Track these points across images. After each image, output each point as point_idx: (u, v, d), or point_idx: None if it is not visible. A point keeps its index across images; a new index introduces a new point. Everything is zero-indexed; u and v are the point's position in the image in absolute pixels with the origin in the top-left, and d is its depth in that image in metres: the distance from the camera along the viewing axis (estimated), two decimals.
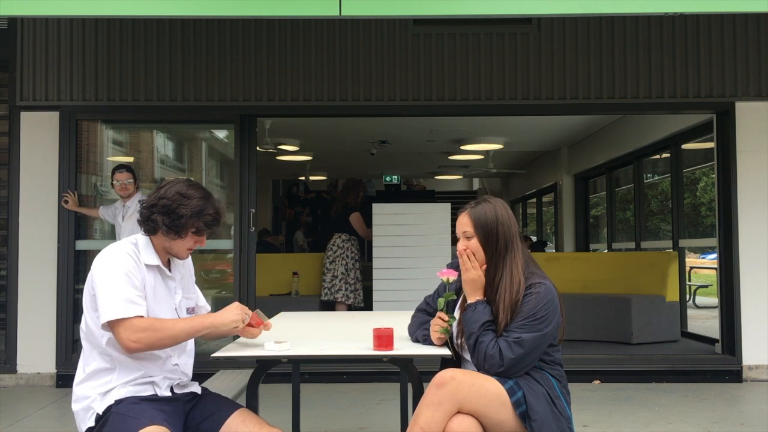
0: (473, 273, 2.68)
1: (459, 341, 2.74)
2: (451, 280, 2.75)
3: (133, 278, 2.45)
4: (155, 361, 2.49)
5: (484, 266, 2.70)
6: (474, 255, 2.70)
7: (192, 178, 2.79)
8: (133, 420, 2.29)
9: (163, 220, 2.51)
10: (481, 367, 2.56)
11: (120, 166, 5.91)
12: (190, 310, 2.71)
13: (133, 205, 5.79)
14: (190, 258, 2.77)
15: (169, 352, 2.54)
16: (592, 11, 4.17)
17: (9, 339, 6.06)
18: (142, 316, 2.39)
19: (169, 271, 2.64)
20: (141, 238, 2.60)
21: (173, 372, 2.55)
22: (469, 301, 2.68)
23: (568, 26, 6.24)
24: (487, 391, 2.49)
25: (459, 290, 2.82)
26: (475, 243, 2.71)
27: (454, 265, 2.87)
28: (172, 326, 2.43)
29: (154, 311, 2.50)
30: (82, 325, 2.53)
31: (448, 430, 2.44)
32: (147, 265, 2.54)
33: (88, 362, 2.49)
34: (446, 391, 2.45)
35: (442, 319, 2.70)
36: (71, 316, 6.08)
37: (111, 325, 2.37)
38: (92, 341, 2.49)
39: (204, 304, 2.84)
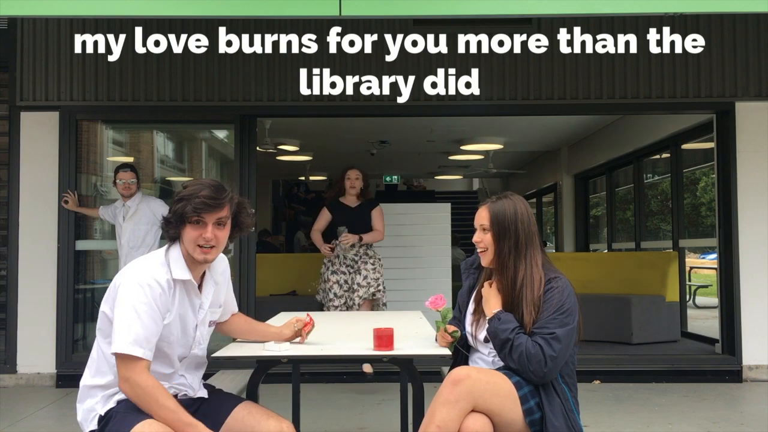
0: (485, 288, 2.72)
1: (472, 329, 2.74)
2: (442, 309, 2.74)
3: (154, 311, 2.35)
4: (164, 375, 2.47)
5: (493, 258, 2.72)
6: (487, 249, 2.72)
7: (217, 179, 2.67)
8: (132, 416, 2.29)
9: (168, 218, 2.48)
10: (526, 370, 2.51)
11: (124, 165, 5.90)
12: (212, 323, 2.66)
13: (134, 205, 5.79)
14: (227, 264, 2.72)
15: (177, 367, 2.51)
16: (592, 11, 4.18)
17: (9, 339, 6.05)
18: (147, 362, 2.32)
19: (200, 286, 2.56)
20: (173, 251, 2.49)
21: (181, 385, 2.55)
22: (488, 316, 2.66)
23: (568, 26, 6.22)
24: (501, 390, 2.49)
25: (479, 267, 2.84)
26: (489, 237, 2.72)
27: (469, 263, 2.90)
28: (161, 405, 2.28)
29: (169, 331, 2.44)
30: (98, 327, 2.46)
31: (464, 429, 2.42)
32: (173, 280, 2.45)
33: (100, 370, 2.44)
34: (463, 388, 2.43)
35: (446, 339, 2.70)
36: (71, 316, 6.08)
37: (116, 356, 2.32)
38: (104, 347, 2.43)
39: (232, 310, 2.83)
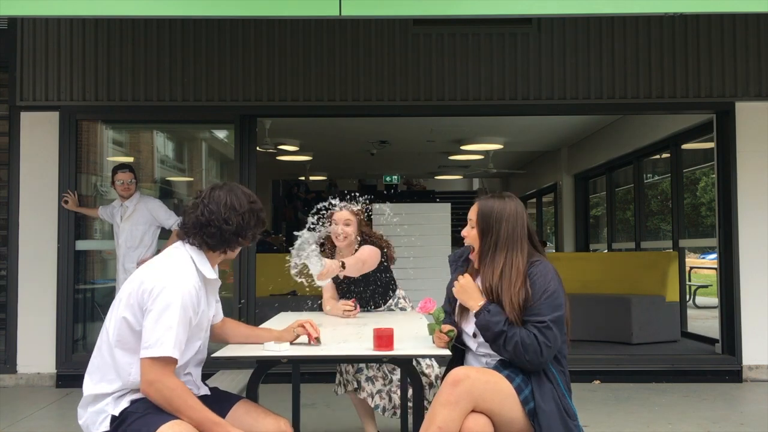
0: (460, 281, 2.72)
1: (459, 320, 2.75)
2: (433, 311, 2.76)
3: (189, 315, 2.36)
4: (177, 372, 2.45)
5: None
6: (472, 244, 2.75)
7: (236, 183, 2.67)
8: (155, 416, 2.28)
9: (221, 241, 2.48)
10: (522, 360, 2.53)
11: (122, 166, 5.90)
12: (212, 318, 2.68)
13: (132, 205, 5.79)
14: None
15: (185, 360, 2.50)
16: (592, 11, 4.18)
17: (9, 339, 6.05)
18: (176, 365, 2.33)
19: None
20: (195, 253, 2.50)
21: (186, 382, 2.54)
22: (475, 310, 2.66)
23: (568, 26, 6.24)
24: (500, 389, 2.49)
25: (467, 260, 2.84)
26: (475, 233, 2.74)
27: (456, 255, 2.90)
28: (189, 405, 2.29)
29: (194, 332, 2.46)
30: (113, 336, 2.39)
31: (465, 429, 2.42)
32: (204, 281, 2.48)
33: (107, 378, 2.40)
34: (462, 389, 2.43)
35: (443, 339, 2.69)
36: (71, 316, 6.08)
37: (150, 359, 2.29)
38: (120, 357, 2.38)
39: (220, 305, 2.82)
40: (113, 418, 2.37)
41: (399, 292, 4.23)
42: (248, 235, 2.51)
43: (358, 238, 3.94)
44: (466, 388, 2.44)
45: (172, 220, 5.82)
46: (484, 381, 2.48)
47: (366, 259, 3.81)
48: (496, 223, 2.69)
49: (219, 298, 2.73)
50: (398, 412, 3.86)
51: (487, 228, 2.70)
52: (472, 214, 2.77)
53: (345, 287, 4.03)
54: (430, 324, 2.75)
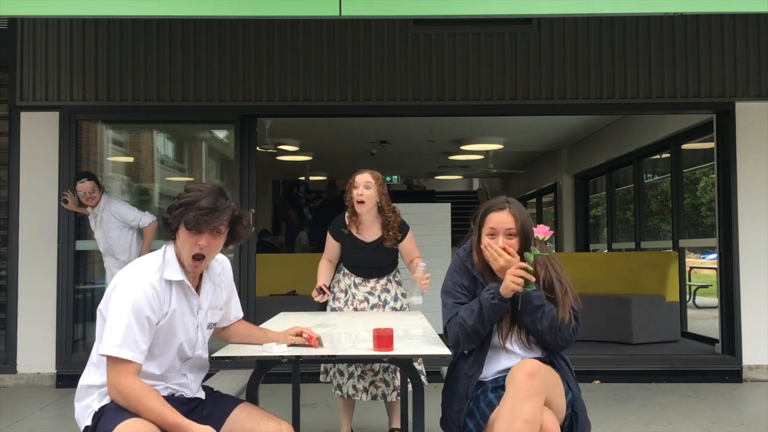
0: (513, 260, 2.58)
1: (499, 335, 2.69)
2: (542, 238, 2.65)
3: (145, 313, 2.33)
4: (155, 375, 2.46)
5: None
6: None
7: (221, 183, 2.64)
8: (120, 414, 2.28)
9: (167, 218, 2.43)
10: (555, 336, 2.60)
11: (80, 176, 5.78)
12: (211, 326, 2.64)
13: (100, 213, 5.76)
14: (228, 266, 2.69)
15: (178, 367, 2.50)
16: (592, 11, 4.18)
17: (9, 339, 6.06)
18: (136, 365, 2.30)
19: (198, 285, 2.55)
20: (169, 251, 2.49)
21: (180, 384, 2.55)
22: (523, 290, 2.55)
23: (568, 26, 6.24)
24: (558, 382, 2.52)
25: (468, 270, 2.77)
26: (515, 242, 2.64)
27: (464, 260, 2.81)
28: (146, 407, 2.25)
29: (165, 332, 2.43)
30: (96, 330, 2.46)
31: (545, 423, 2.40)
32: (168, 281, 2.43)
33: (99, 371, 2.42)
34: (539, 381, 2.40)
35: (520, 278, 2.51)
36: (71, 316, 6.08)
37: (106, 359, 2.31)
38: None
39: (236, 315, 2.80)
40: (95, 414, 2.39)
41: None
42: (187, 218, 2.36)
43: (379, 205, 4.00)
44: (541, 379, 2.41)
45: (139, 218, 5.77)
46: (549, 373, 2.49)
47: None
48: (529, 227, 2.68)
49: (226, 304, 2.71)
50: (387, 396, 4.02)
51: (528, 233, 2.67)
52: (510, 223, 2.62)
53: (371, 255, 4.09)
54: (526, 253, 2.58)
